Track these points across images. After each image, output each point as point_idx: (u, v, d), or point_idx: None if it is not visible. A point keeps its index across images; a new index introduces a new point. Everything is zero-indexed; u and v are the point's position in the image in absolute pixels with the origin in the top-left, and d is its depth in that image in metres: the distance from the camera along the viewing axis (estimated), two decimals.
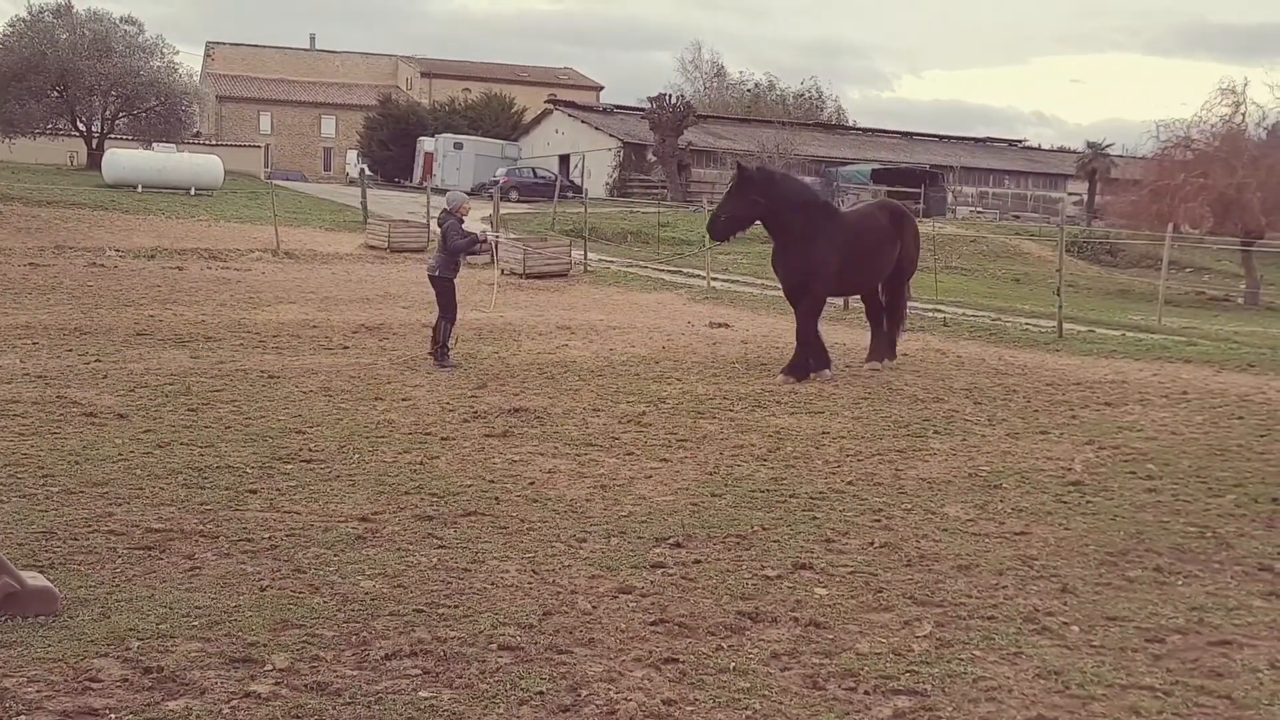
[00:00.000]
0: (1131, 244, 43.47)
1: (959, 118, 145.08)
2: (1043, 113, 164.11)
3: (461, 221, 13.88)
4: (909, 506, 7.98)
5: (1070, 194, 69.34)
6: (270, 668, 4.81)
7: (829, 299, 15.06)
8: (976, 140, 79.54)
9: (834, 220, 13.82)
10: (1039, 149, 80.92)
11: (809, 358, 13.40)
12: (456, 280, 13.82)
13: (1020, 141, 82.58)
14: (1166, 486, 8.72)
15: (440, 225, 13.91)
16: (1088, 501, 8.26)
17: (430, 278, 13.89)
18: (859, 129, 79.93)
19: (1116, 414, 11.74)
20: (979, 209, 64.53)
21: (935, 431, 10.64)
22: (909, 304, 15.27)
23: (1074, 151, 72.46)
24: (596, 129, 63.92)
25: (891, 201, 16.44)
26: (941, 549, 7.00)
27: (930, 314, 21.42)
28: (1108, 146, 65.17)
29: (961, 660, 5.25)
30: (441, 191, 41.88)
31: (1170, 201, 39.58)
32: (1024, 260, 41.68)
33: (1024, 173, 71.59)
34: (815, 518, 7.59)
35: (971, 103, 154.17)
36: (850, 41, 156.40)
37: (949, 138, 78.29)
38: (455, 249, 13.64)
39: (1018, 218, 61.92)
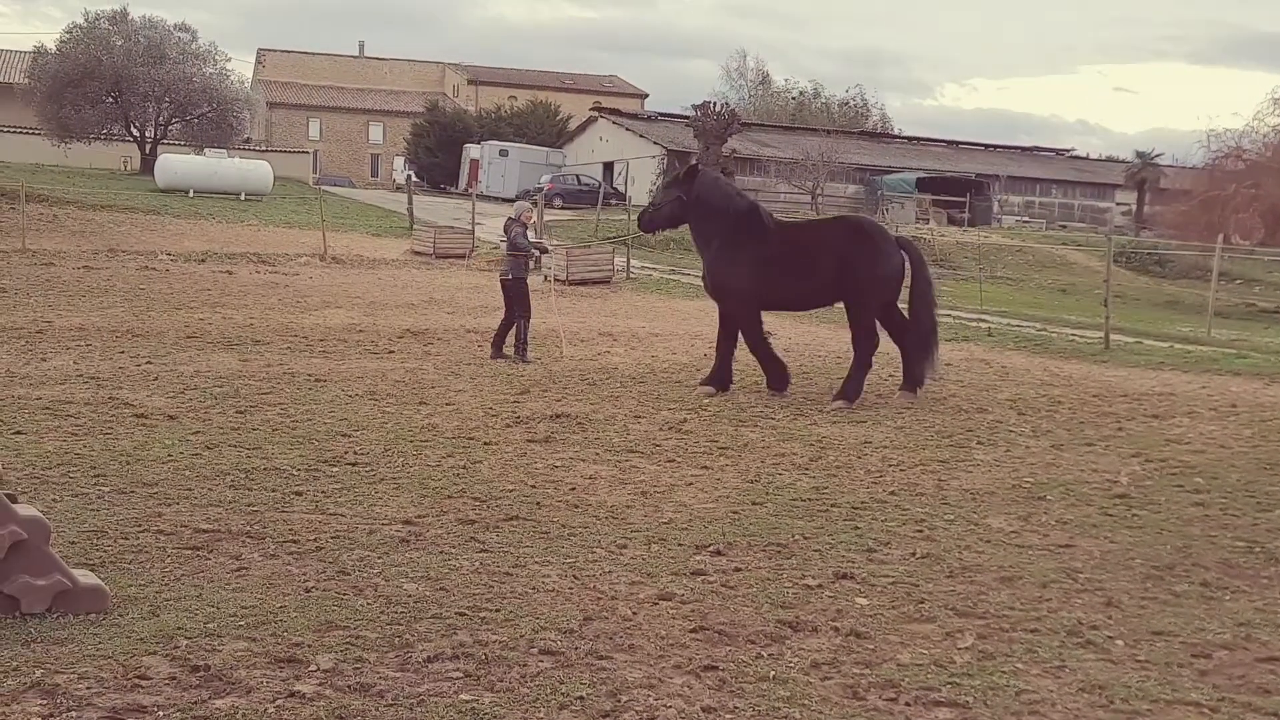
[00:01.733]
0: (1181, 255, 42.96)
1: (1002, 127, 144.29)
2: (1087, 121, 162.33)
3: (525, 228, 14.88)
4: (952, 517, 7.94)
5: (1118, 204, 68.71)
6: (315, 668, 4.87)
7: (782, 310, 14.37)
8: (1023, 149, 78.94)
9: (755, 232, 12.75)
10: (1086, 158, 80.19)
11: (728, 369, 12.70)
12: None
13: (1067, 151, 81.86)
14: (1214, 500, 8.63)
15: (507, 233, 14.90)
16: (1134, 515, 8.19)
17: (503, 282, 14.79)
18: (904, 137, 79.56)
19: (1164, 426, 11.63)
20: (1025, 218, 64.05)
21: (979, 442, 10.58)
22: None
23: (1122, 161, 71.82)
24: (640, 136, 64.00)
25: (856, 219, 14.35)
26: (984, 560, 6.96)
27: (975, 324, 21.29)
28: (1156, 156, 64.54)
29: (1004, 673, 5.22)
30: (487, 199, 42.02)
31: (1221, 212, 39.18)
32: (1070, 270, 41.35)
33: (1071, 182, 70.95)
34: (857, 527, 7.57)
35: (1015, 111, 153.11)
36: (890, 50, 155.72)
37: (995, 146, 77.75)
38: (519, 245, 14.58)
39: (1064, 227, 61.38)
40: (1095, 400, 13.11)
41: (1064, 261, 43.31)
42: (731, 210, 12.90)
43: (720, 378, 12.67)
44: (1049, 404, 12.76)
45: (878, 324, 12.73)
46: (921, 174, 62.63)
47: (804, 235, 13.36)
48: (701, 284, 14.30)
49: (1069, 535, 7.60)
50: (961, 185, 61.84)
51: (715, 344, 12.97)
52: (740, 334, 12.81)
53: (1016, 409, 12.35)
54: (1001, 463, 9.77)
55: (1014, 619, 5.94)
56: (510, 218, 15.01)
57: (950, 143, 76.70)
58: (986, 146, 77.19)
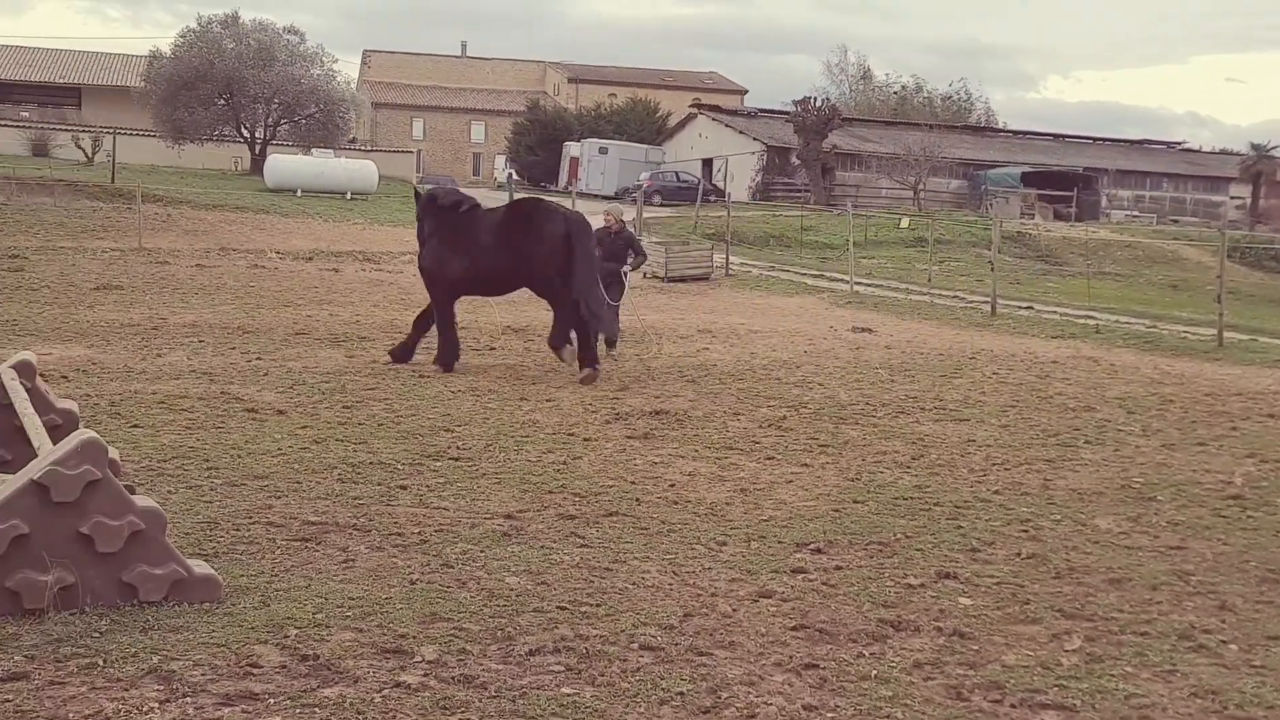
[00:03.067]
0: None
1: (1108, 119, 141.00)
2: (1197, 113, 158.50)
3: (609, 229, 14.90)
4: (1058, 517, 7.81)
5: (1232, 197, 66.81)
6: (419, 659, 4.95)
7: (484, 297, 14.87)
8: (1132, 142, 77.18)
9: (451, 221, 13.28)
10: (1198, 151, 78.10)
11: (455, 347, 13.10)
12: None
13: (1179, 143, 79.83)
14: None
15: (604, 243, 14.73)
16: (1248, 516, 7.97)
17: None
18: (1009, 131, 78.29)
19: None
20: (1134, 213, 62.60)
21: (1086, 441, 10.38)
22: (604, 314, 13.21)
23: (1236, 154, 69.78)
24: (740, 133, 63.83)
25: (534, 201, 13.97)
26: (1092, 562, 6.83)
27: (1082, 321, 20.89)
28: (1274, 148, 62.61)
29: (1112, 676, 5.12)
30: (587, 196, 42.31)
31: None
32: (1182, 266, 40.34)
33: (1182, 175, 69.20)
34: (960, 526, 7.48)
35: (1122, 103, 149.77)
36: (990, 43, 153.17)
37: (1103, 140, 76.15)
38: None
39: (1176, 222, 59.88)
40: (1208, 399, 12.78)
41: (1175, 257, 42.27)
42: (443, 205, 13.54)
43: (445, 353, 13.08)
44: (1159, 402, 12.47)
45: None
46: (1027, 168, 61.56)
47: (485, 221, 13.43)
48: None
49: (1180, 537, 7.42)
50: (1068, 179, 60.66)
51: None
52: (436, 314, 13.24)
53: (1125, 407, 12.09)
54: (1110, 462, 9.57)
55: (1123, 621, 5.82)
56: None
57: (1056, 136, 75.29)
58: (1094, 140, 75.67)
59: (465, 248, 13.07)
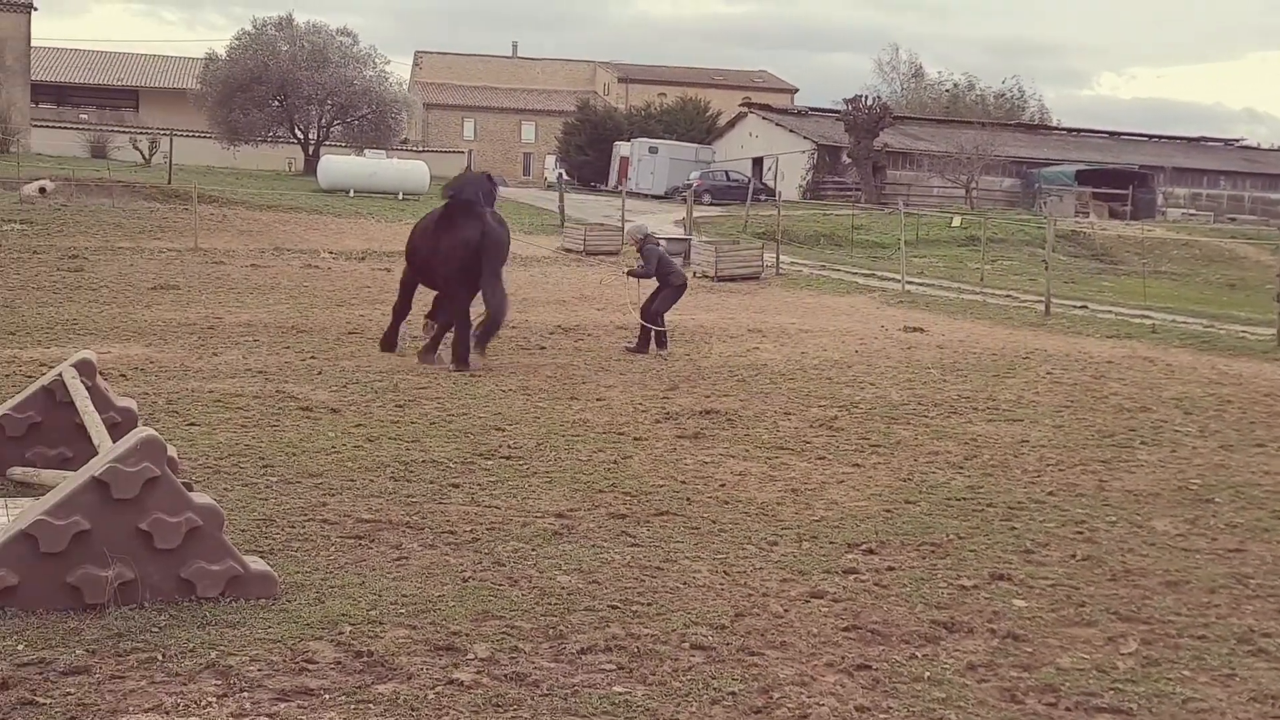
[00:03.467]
0: None
1: (1163, 116, 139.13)
2: (1254, 110, 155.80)
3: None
4: (1113, 519, 7.72)
5: None
6: (472, 656, 4.98)
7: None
8: (1189, 140, 76.10)
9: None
10: (1258, 148, 76.83)
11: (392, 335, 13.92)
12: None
13: (1237, 141, 78.63)
14: None
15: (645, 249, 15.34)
16: None
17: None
18: (1063, 129, 77.43)
19: None
20: (1191, 211, 61.75)
21: (1142, 442, 10.26)
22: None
23: None
24: (790, 131, 63.61)
25: (467, 204, 13.57)
26: (1148, 564, 6.75)
27: (1138, 320, 20.65)
28: None
29: (1170, 680, 5.06)
30: (637, 196, 42.38)
31: None
32: (1240, 265, 39.70)
33: (1241, 173, 68.14)
34: (1014, 528, 7.42)
35: (1177, 100, 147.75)
36: (1040, 40, 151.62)
37: (1159, 137, 75.14)
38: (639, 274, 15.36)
39: (1234, 220, 58.98)
40: (1267, 399, 12.58)
41: (1233, 256, 41.62)
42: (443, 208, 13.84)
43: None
44: (1217, 403, 12.29)
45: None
46: (1081, 166, 60.91)
47: (424, 222, 14.10)
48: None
49: (1239, 539, 7.32)
50: (1124, 178, 59.89)
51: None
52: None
53: (1182, 408, 11.94)
54: (1167, 463, 9.45)
55: (1180, 625, 5.75)
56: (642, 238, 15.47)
57: (1112, 134, 74.38)
58: (1150, 137, 74.69)
59: (422, 239, 13.78)
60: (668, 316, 15.31)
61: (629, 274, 15.86)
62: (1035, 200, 57.30)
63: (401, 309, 14.05)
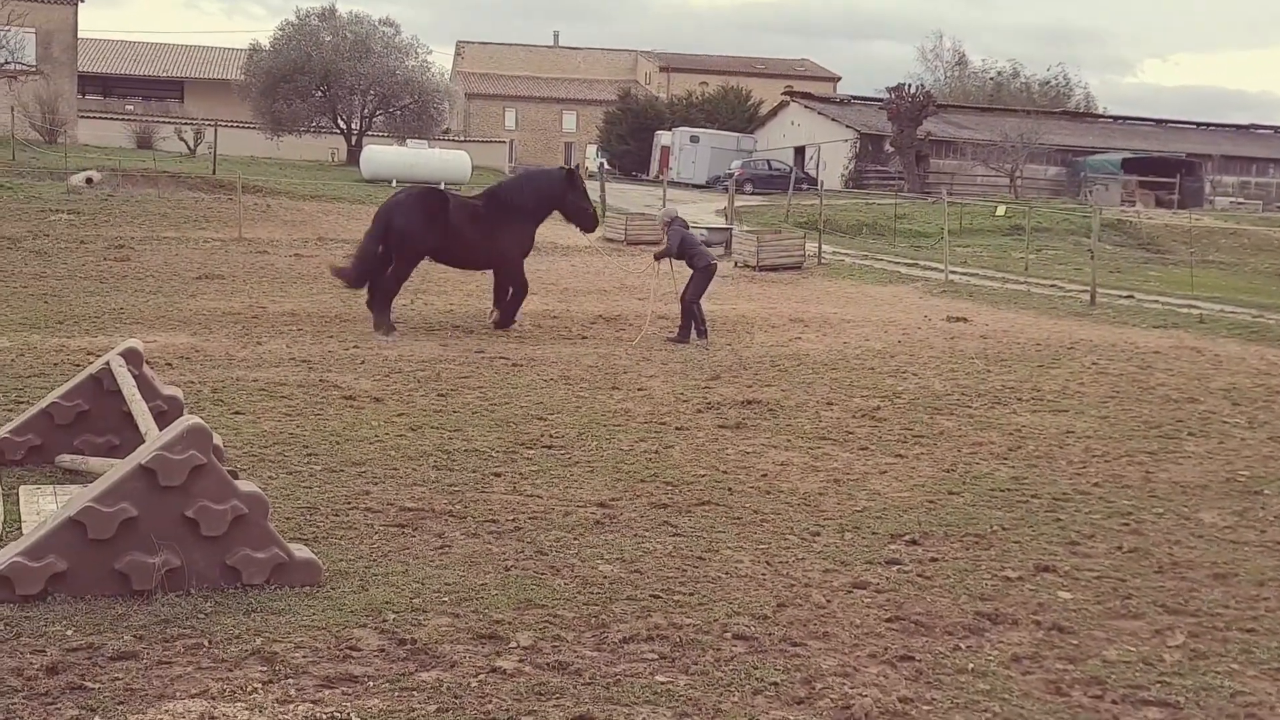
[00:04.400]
0: None
1: (1209, 103, 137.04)
2: None
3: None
4: (1160, 510, 7.64)
5: None
6: (515, 645, 5.00)
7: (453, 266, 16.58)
8: (1238, 127, 74.94)
9: None
10: None
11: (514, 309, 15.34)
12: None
13: None
14: None
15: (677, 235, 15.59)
16: None
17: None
18: (1109, 117, 76.54)
19: None
20: (1240, 200, 60.89)
21: (1190, 433, 10.14)
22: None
23: None
24: (833, 120, 63.23)
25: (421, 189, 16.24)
26: (1196, 556, 6.68)
27: (1185, 310, 20.40)
28: None
29: (1217, 673, 5.01)
30: (678, 185, 42.22)
31: None
32: None
33: None
34: (1059, 519, 7.35)
35: (1223, 88, 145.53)
36: (1083, 26, 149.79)
37: (1207, 125, 74.08)
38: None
39: None
40: None
41: None
42: None
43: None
44: (1266, 394, 12.13)
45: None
46: (1127, 154, 60.20)
47: None
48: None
49: None
50: (1171, 166, 59.14)
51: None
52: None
53: (1230, 399, 11.79)
54: (1214, 455, 9.34)
55: (1228, 618, 5.69)
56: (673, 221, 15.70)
57: (1159, 121, 73.45)
58: (1198, 125, 73.67)
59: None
60: (705, 306, 15.28)
61: (655, 257, 15.92)
62: (1081, 189, 56.70)
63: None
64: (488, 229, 15.13)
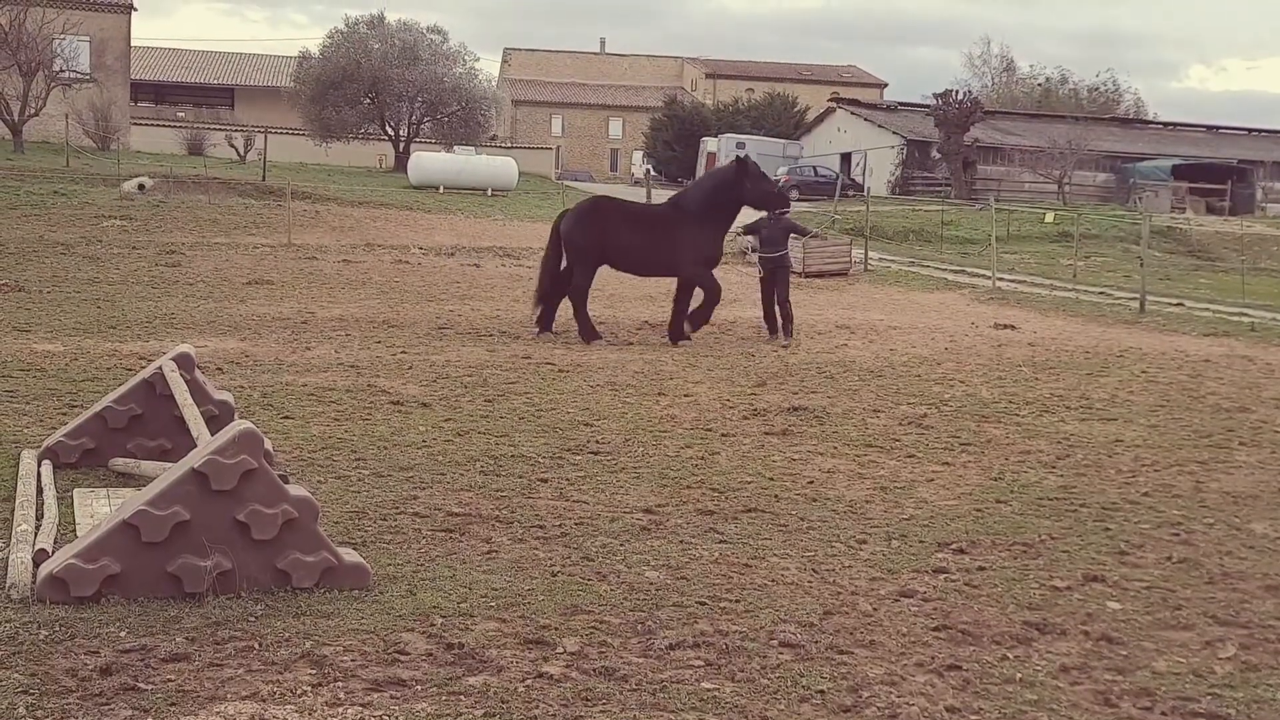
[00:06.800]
0: None
1: (1257, 109, 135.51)
2: None
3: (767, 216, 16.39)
4: (1211, 521, 7.55)
5: None
6: (561, 650, 5.02)
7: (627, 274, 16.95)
8: None
9: None
10: None
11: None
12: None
13: None
14: None
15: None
16: None
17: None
18: (1159, 123, 75.77)
19: None
20: None
21: (1241, 443, 10.02)
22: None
23: None
24: (880, 126, 63.01)
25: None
26: (1247, 567, 6.60)
27: (1236, 318, 20.15)
28: None
29: (1270, 686, 4.95)
30: None
31: None
32: None
33: None
34: (1108, 529, 7.29)
35: (1270, 93, 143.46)
36: (1127, 31, 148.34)
37: (1259, 131, 73.12)
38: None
39: None
40: None
41: None
42: None
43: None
44: None
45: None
46: (1177, 161, 59.54)
47: None
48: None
49: None
50: (1222, 172, 58.46)
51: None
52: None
53: None
54: (1266, 464, 9.22)
55: None
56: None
57: (1210, 128, 72.61)
58: (1249, 131, 72.75)
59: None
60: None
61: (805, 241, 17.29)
62: (1130, 195, 56.14)
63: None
64: (666, 235, 15.26)
